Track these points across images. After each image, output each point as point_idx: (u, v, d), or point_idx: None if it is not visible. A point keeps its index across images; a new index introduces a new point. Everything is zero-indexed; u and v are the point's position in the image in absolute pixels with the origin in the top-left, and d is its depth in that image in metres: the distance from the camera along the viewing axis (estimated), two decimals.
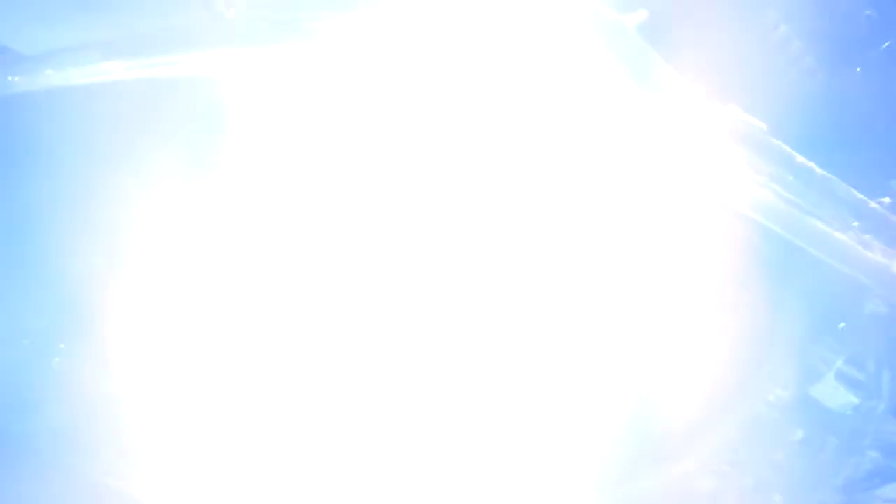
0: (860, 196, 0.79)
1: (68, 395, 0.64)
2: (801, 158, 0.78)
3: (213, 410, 0.70)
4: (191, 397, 0.70)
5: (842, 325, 0.68)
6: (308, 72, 0.74)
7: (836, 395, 0.64)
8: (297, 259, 0.73)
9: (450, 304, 0.72)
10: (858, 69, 1.20)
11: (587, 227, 0.64)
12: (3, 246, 0.68)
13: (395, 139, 0.73)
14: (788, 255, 0.69)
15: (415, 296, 0.73)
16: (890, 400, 0.64)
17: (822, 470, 0.63)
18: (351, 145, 0.74)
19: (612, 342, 0.62)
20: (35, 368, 0.63)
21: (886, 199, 0.83)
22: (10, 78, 0.77)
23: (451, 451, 0.70)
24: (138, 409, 0.68)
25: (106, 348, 0.66)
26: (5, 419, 0.63)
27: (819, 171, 0.79)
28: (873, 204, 0.80)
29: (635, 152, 0.64)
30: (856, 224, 0.75)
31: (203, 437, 0.70)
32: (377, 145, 0.73)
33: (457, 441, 0.70)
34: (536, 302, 0.67)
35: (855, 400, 0.62)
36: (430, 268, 0.72)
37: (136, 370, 0.68)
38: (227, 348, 0.73)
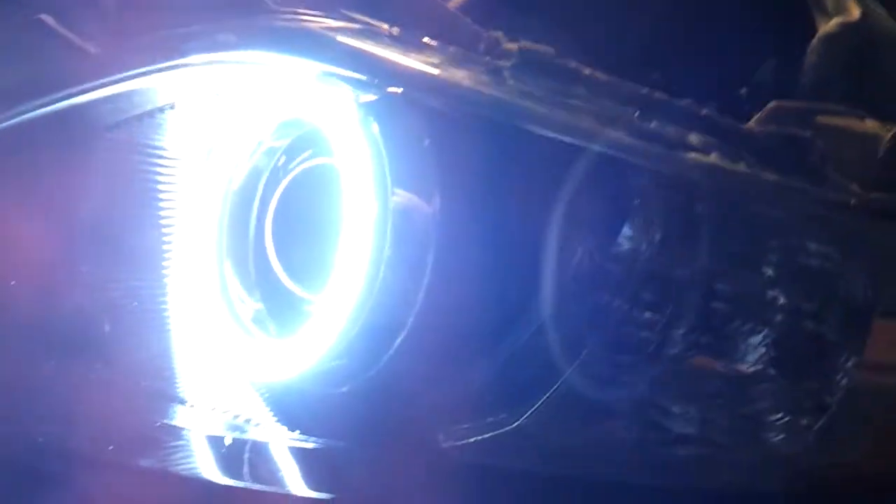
0: (643, 90, 0.89)
1: None
2: (587, 71, 0.88)
3: None
4: None
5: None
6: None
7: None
8: None
9: None
10: None
11: None
12: None
13: None
14: (580, 161, 0.78)
15: None
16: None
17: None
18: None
19: None
20: None
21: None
22: None
23: None
24: None
25: None
26: None
27: (604, 77, 0.89)
28: (658, 95, 0.90)
29: None
30: (637, 113, 0.85)
31: None
32: None
33: None
34: None
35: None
36: None
37: None
38: None
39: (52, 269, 0.79)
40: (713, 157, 0.82)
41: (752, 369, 0.81)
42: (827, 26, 1.20)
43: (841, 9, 1.19)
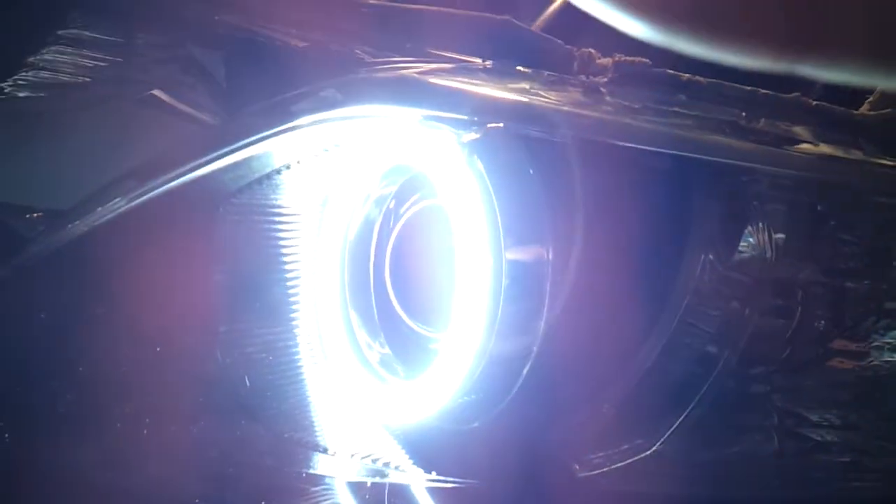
0: (748, 88, 0.84)
1: None
2: (685, 76, 0.84)
3: None
4: None
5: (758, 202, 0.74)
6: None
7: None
8: None
9: None
10: None
11: None
12: None
13: None
14: (691, 170, 0.74)
15: None
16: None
17: None
18: None
19: None
20: None
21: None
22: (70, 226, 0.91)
23: None
24: None
25: None
26: None
27: (704, 80, 0.84)
28: (764, 92, 0.85)
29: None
30: (744, 114, 0.80)
31: None
32: None
33: None
34: None
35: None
36: None
37: None
38: None
39: (194, 331, 0.82)
40: (824, 148, 0.77)
41: (891, 367, 0.75)
42: None
43: None
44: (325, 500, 0.78)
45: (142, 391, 0.81)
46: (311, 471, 0.79)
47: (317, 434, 0.80)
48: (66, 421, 0.81)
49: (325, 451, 0.79)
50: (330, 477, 0.79)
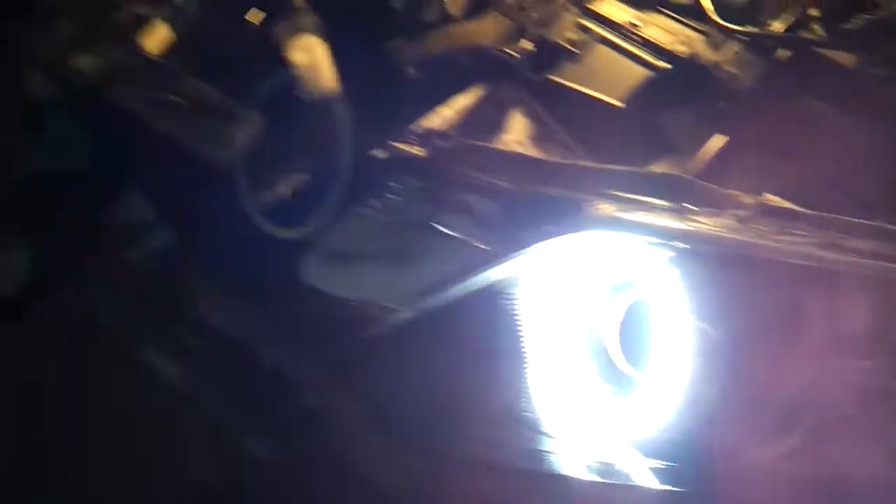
0: (844, 218, 1.24)
1: None
2: (803, 211, 1.27)
3: None
4: None
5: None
6: None
7: None
8: None
9: None
10: None
11: None
12: None
13: None
14: (809, 274, 1.17)
15: None
16: None
17: None
18: None
19: None
20: None
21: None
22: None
23: None
24: None
25: None
26: None
27: (814, 213, 1.26)
28: (853, 220, 1.25)
29: None
30: (839, 236, 1.22)
31: None
32: None
33: None
34: None
35: None
36: None
37: None
38: None
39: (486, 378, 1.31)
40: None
41: None
42: None
43: None
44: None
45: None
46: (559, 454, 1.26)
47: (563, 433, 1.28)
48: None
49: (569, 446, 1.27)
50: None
